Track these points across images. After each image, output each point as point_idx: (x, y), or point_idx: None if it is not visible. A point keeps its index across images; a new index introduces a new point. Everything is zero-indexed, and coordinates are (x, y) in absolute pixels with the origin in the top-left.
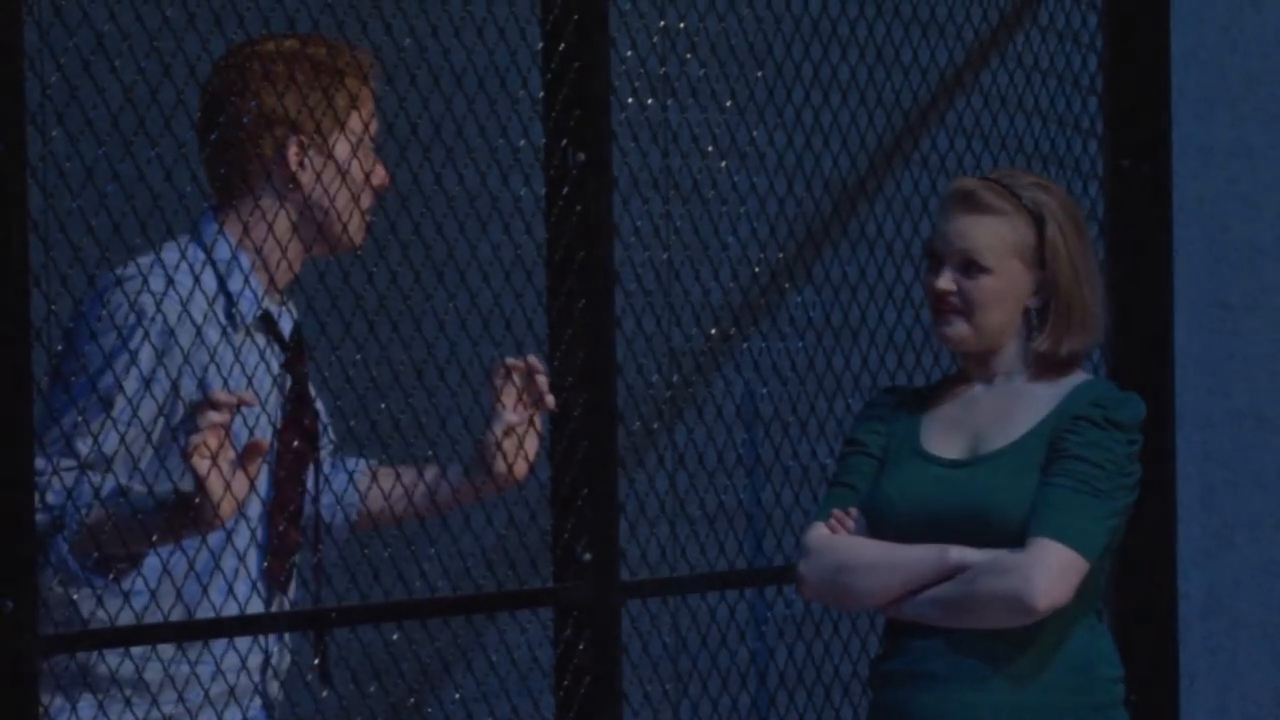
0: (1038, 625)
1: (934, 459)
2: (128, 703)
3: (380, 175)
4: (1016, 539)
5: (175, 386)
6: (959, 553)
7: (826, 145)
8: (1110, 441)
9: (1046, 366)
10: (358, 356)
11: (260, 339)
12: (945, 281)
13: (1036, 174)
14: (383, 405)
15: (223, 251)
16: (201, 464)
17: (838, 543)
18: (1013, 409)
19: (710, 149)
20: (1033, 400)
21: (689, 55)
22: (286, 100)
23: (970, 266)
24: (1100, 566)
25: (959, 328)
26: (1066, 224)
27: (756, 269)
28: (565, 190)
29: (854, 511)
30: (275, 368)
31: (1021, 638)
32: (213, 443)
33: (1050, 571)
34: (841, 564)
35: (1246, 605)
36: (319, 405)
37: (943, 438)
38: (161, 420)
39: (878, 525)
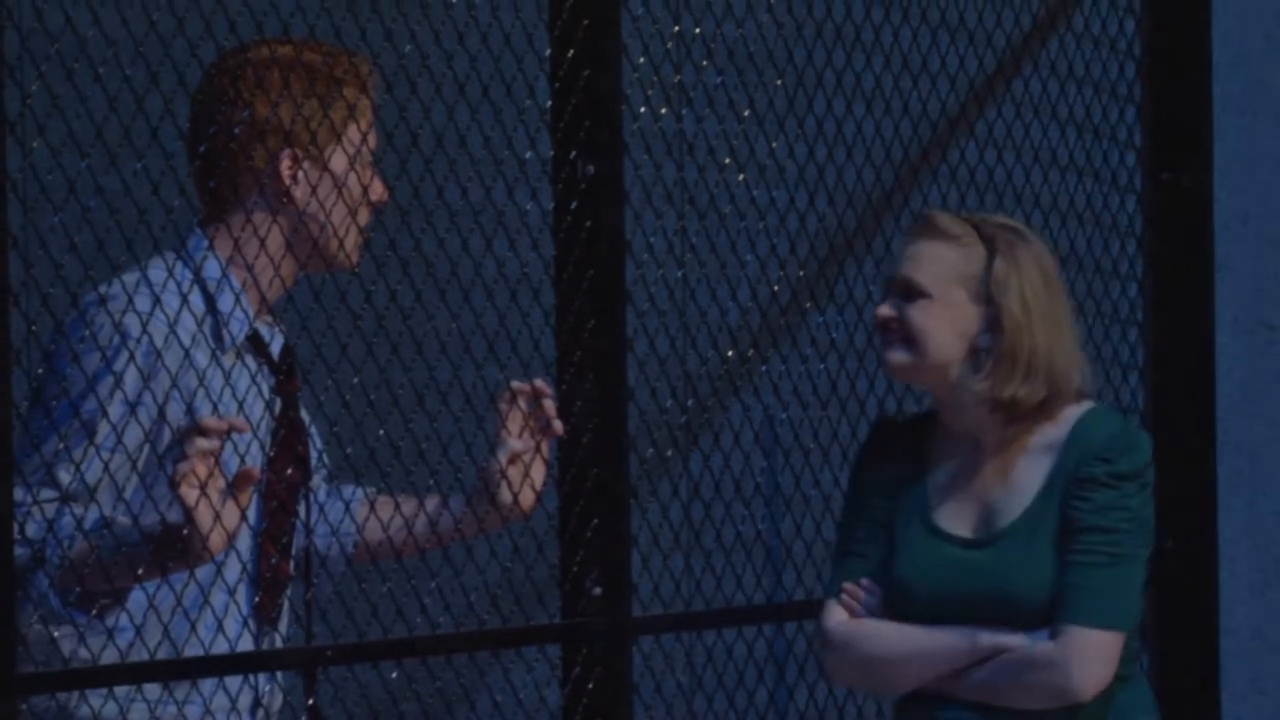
0: None
1: (947, 537)
2: None
3: (378, 190)
4: (1043, 613)
5: (162, 411)
6: (990, 638)
7: (850, 157)
8: (1122, 499)
9: (1000, 414)
10: (355, 380)
11: (251, 361)
12: (885, 308)
13: (1018, 220)
14: (381, 431)
15: (212, 269)
16: (190, 494)
17: (861, 633)
18: (1013, 468)
19: (727, 161)
20: (1032, 454)
21: (705, 62)
22: (280, 110)
23: (911, 291)
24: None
25: (897, 354)
26: (1027, 263)
27: (776, 287)
28: (574, 204)
29: (866, 582)
30: (266, 391)
31: None
32: (201, 471)
33: (1090, 662)
34: (869, 658)
35: None
36: (313, 431)
37: (952, 510)
38: (147, 447)
39: (897, 607)
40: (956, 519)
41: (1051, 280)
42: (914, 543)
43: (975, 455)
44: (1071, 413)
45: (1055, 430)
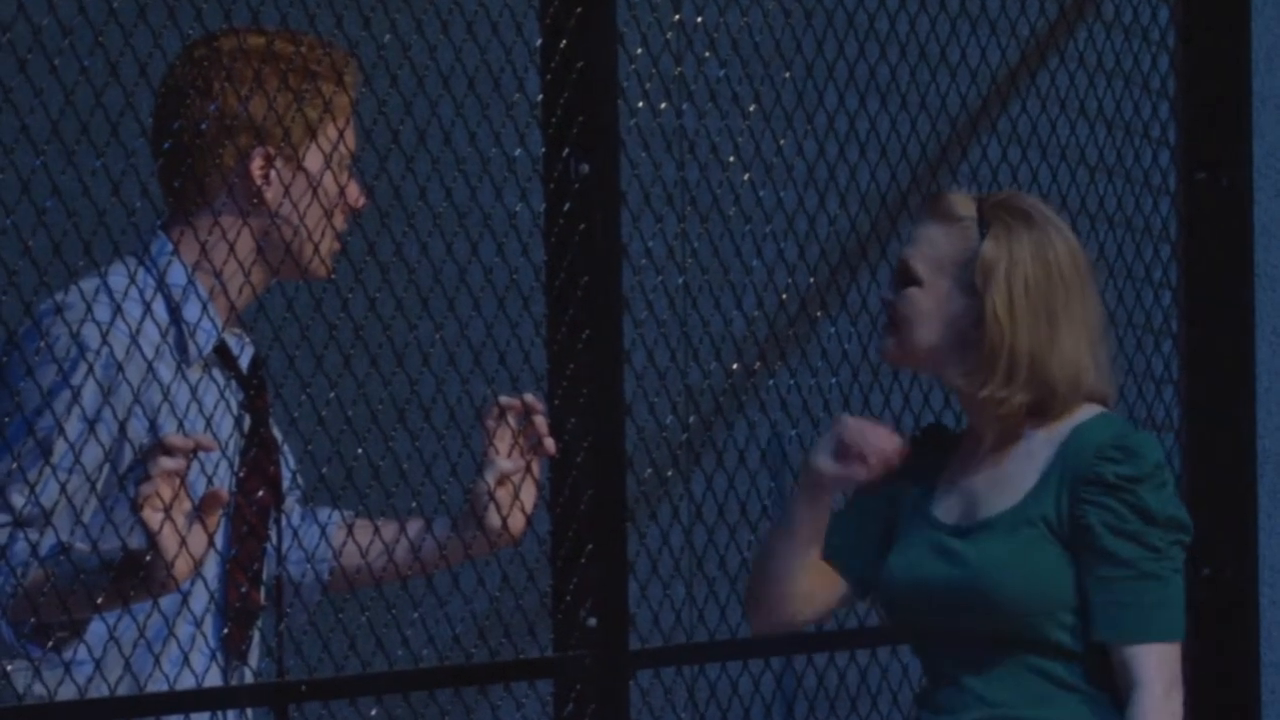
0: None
1: (937, 524)
2: None
3: (355, 195)
4: (1015, 611)
5: (123, 429)
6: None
7: (863, 155)
8: (1138, 502)
9: (990, 412)
10: (331, 394)
11: (219, 375)
12: (885, 291)
13: (1052, 206)
14: (359, 450)
15: (177, 275)
16: (153, 517)
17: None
18: (1008, 464)
19: (732, 159)
20: (1027, 452)
21: (707, 54)
22: (251, 104)
23: (905, 276)
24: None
25: (886, 343)
26: (1023, 251)
27: (784, 295)
28: (567, 206)
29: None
30: (235, 407)
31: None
32: (166, 493)
33: (1172, 677)
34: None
35: None
36: (286, 449)
37: (948, 501)
38: (108, 468)
39: (883, 595)
40: (949, 508)
41: (1057, 273)
42: (909, 531)
43: (980, 451)
44: (1077, 415)
45: (1057, 430)
